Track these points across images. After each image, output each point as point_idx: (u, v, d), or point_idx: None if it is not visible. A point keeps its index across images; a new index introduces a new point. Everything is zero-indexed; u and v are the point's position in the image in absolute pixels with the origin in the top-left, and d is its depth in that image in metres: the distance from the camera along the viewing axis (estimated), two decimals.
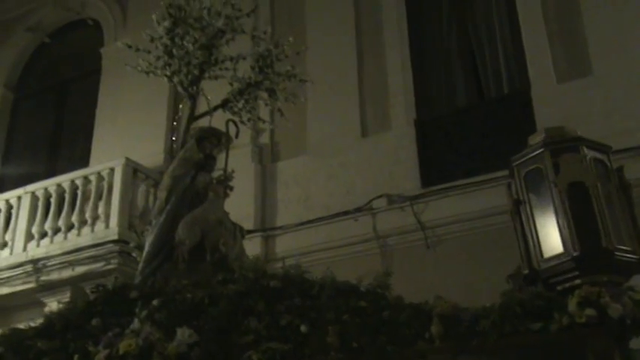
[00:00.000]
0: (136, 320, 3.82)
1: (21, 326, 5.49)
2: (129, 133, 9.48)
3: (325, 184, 8.15)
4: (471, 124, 7.96)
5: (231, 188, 4.70)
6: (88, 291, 7.36)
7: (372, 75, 8.55)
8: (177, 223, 4.40)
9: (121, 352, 3.68)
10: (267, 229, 8.15)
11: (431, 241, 7.35)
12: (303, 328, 3.52)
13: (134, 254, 4.91)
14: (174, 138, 5.33)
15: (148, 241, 4.52)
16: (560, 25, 7.73)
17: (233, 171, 4.71)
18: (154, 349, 3.62)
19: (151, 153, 9.02)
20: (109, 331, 3.85)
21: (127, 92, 9.73)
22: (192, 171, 4.62)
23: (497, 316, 3.25)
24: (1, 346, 4.14)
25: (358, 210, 7.75)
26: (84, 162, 9.66)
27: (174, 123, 5.40)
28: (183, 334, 3.61)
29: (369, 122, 8.39)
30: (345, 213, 7.79)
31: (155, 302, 3.88)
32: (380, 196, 7.73)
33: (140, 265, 4.50)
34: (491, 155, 7.34)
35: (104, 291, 4.24)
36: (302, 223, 7.97)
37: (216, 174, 4.76)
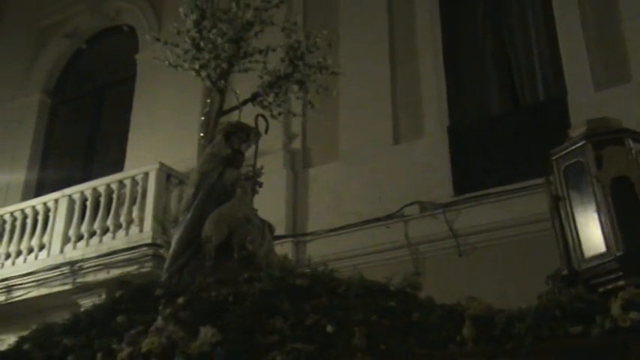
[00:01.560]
0: (159, 318, 3.79)
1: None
2: (163, 138, 9.58)
3: (357, 190, 8.09)
4: (504, 132, 7.85)
5: (261, 184, 4.61)
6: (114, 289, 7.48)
7: (404, 81, 8.50)
8: (205, 219, 4.32)
9: (143, 350, 3.65)
10: (298, 234, 8.13)
11: (463, 249, 7.26)
12: (329, 329, 3.44)
13: (162, 251, 4.86)
14: (202, 134, 5.27)
15: (175, 238, 4.45)
16: (599, 31, 7.58)
17: (262, 167, 4.63)
18: (177, 347, 3.58)
19: (184, 158, 9.07)
20: (133, 329, 3.82)
21: (161, 98, 9.85)
22: (220, 167, 4.52)
23: (533, 319, 3.14)
24: (28, 342, 4.17)
25: (390, 217, 7.69)
26: (119, 166, 9.78)
27: (202, 118, 5.34)
28: (206, 333, 3.56)
29: (402, 129, 8.33)
30: (377, 220, 7.73)
31: (180, 300, 3.83)
32: (412, 204, 7.66)
33: (167, 262, 4.43)
34: (525, 163, 7.23)
35: (130, 288, 4.22)
36: (333, 230, 7.94)
37: (245, 170, 4.68)
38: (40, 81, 11.70)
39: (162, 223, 8.26)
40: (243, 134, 4.65)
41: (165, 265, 4.42)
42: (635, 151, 3.45)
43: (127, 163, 9.85)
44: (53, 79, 11.82)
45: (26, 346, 4.12)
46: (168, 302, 3.87)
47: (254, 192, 4.61)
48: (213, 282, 3.94)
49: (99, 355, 3.79)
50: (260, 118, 4.79)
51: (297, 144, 8.71)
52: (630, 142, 3.48)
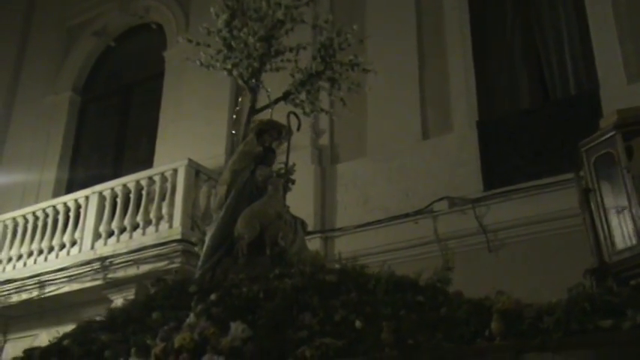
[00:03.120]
0: (192, 314, 3.83)
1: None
2: (191, 134, 9.64)
3: (385, 186, 8.07)
4: (535, 126, 7.74)
5: (293, 182, 4.67)
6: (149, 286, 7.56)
7: (433, 76, 8.44)
8: (237, 217, 4.39)
9: (176, 345, 3.69)
10: (326, 230, 8.13)
11: (493, 244, 7.21)
12: (357, 324, 3.45)
13: (196, 249, 4.92)
14: (234, 132, 5.31)
15: (209, 235, 4.54)
16: (632, 23, 7.43)
17: (294, 164, 4.68)
18: (209, 343, 3.62)
19: (212, 155, 9.14)
20: (167, 325, 3.88)
21: (189, 95, 9.92)
22: (252, 164, 4.59)
23: (562, 313, 3.08)
24: (68, 339, 4.27)
25: (418, 212, 7.65)
26: (148, 163, 9.88)
27: (234, 116, 5.39)
28: (237, 328, 3.60)
29: (430, 124, 8.28)
30: (405, 215, 7.70)
31: (212, 297, 3.89)
32: (441, 199, 7.61)
33: (200, 260, 4.52)
34: (556, 158, 7.13)
35: (164, 285, 4.29)
36: (361, 225, 7.92)
37: (277, 167, 4.73)
38: (70, 79, 11.85)
39: (192, 218, 8.36)
40: (275, 132, 4.73)
41: (199, 263, 4.52)
42: None
43: (156, 159, 9.94)
44: (82, 77, 11.96)
45: (66, 342, 4.23)
46: (200, 299, 3.93)
47: (286, 189, 4.66)
48: (244, 278, 3.99)
49: (133, 350, 3.86)
50: (292, 116, 4.85)
51: (324, 140, 8.70)
52: None
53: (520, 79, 8.15)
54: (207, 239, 4.53)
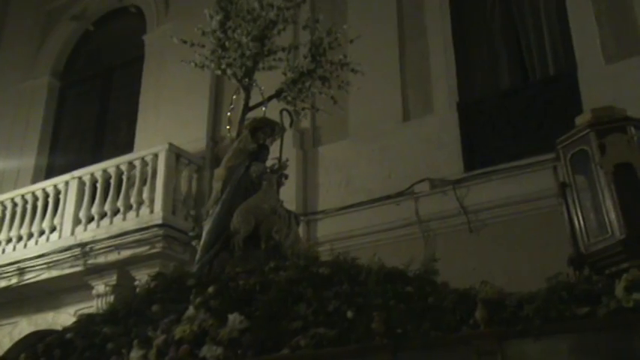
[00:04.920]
0: (191, 307, 3.94)
1: (68, 309, 5.59)
2: (172, 119, 9.60)
3: (366, 168, 8.12)
4: (515, 107, 7.82)
5: (286, 177, 4.80)
6: (140, 276, 7.60)
7: (413, 58, 8.47)
8: (233, 212, 4.53)
9: (176, 337, 3.80)
10: (308, 213, 8.17)
11: (474, 225, 7.29)
12: (349, 314, 3.56)
13: (193, 243, 5.04)
14: (228, 127, 5.42)
15: (205, 230, 4.67)
16: (610, 4, 7.51)
17: (287, 160, 4.80)
18: (207, 334, 3.73)
19: (193, 139, 9.13)
20: (167, 318, 3.99)
21: (169, 79, 9.85)
22: (247, 161, 4.74)
23: (542, 301, 3.21)
24: (71, 331, 4.35)
25: (400, 194, 7.72)
26: (128, 148, 9.83)
27: (229, 114, 5.49)
28: (234, 320, 3.71)
29: (411, 106, 8.32)
30: (387, 197, 7.76)
31: (210, 290, 4.00)
32: (422, 181, 7.67)
33: (198, 254, 4.65)
34: (536, 139, 7.23)
35: (163, 279, 4.38)
36: (343, 208, 7.98)
37: (270, 163, 4.86)
38: (49, 64, 11.69)
39: (173, 203, 8.38)
40: (268, 129, 4.87)
41: (197, 257, 4.65)
42: (637, 138, 3.55)
43: (137, 144, 9.89)
44: (61, 61, 11.81)
45: (69, 335, 4.31)
46: (199, 292, 4.05)
47: (280, 184, 4.78)
48: (241, 272, 4.11)
49: (135, 342, 3.95)
50: (284, 113, 4.98)
51: (306, 123, 8.69)
52: (632, 129, 3.58)
53: (500, 61, 8.21)
54: (204, 234, 4.66)
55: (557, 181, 3.75)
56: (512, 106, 7.85)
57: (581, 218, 3.56)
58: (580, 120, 3.71)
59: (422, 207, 7.60)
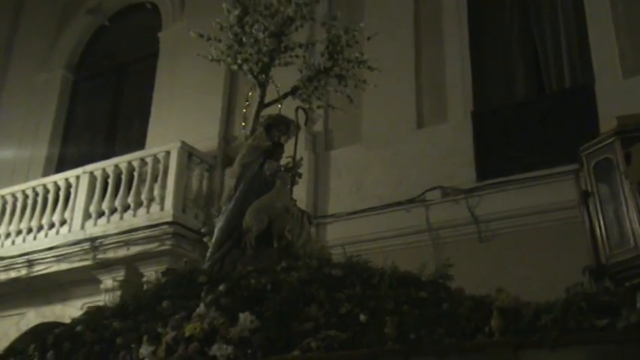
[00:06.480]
0: (201, 304, 3.91)
1: (76, 302, 5.55)
2: (185, 116, 9.59)
3: (378, 173, 8.09)
4: (529, 118, 7.78)
5: (300, 175, 4.75)
6: (149, 272, 7.58)
7: (429, 65, 8.44)
8: (246, 210, 4.48)
9: (186, 334, 3.77)
10: (318, 216, 8.13)
11: (484, 235, 7.26)
12: (362, 318, 3.52)
13: (205, 240, 5.00)
14: (243, 123, 5.41)
15: (218, 227, 4.63)
16: (629, 18, 7.47)
17: (302, 158, 4.75)
18: (218, 333, 3.70)
19: (205, 137, 9.12)
20: (177, 314, 3.95)
21: (183, 76, 9.84)
22: (261, 158, 4.68)
23: (559, 312, 3.16)
24: (81, 324, 4.32)
25: (411, 201, 7.69)
26: (140, 144, 9.83)
27: (244, 110, 5.48)
28: (245, 319, 3.68)
29: (425, 113, 8.29)
30: (398, 204, 7.73)
31: (221, 287, 3.96)
32: (434, 188, 7.64)
33: (209, 251, 4.61)
34: (550, 150, 7.20)
35: (174, 275, 4.35)
36: (354, 212, 7.95)
37: (284, 161, 4.82)
38: (63, 57, 11.71)
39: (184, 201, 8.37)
40: (283, 127, 4.82)
41: (208, 254, 4.61)
42: None
43: (149, 140, 9.89)
44: (76, 55, 11.82)
45: (79, 328, 4.29)
46: (210, 289, 4.01)
47: (294, 183, 4.73)
48: (252, 270, 4.06)
49: (145, 337, 3.92)
50: (300, 111, 4.93)
51: (319, 126, 8.67)
52: None
53: (516, 71, 8.18)
54: (216, 231, 4.62)
55: (579, 189, 3.69)
56: (527, 116, 7.81)
57: (603, 228, 3.50)
58: (605, 127, 3.66)
59: (433, 215, 7.56)
